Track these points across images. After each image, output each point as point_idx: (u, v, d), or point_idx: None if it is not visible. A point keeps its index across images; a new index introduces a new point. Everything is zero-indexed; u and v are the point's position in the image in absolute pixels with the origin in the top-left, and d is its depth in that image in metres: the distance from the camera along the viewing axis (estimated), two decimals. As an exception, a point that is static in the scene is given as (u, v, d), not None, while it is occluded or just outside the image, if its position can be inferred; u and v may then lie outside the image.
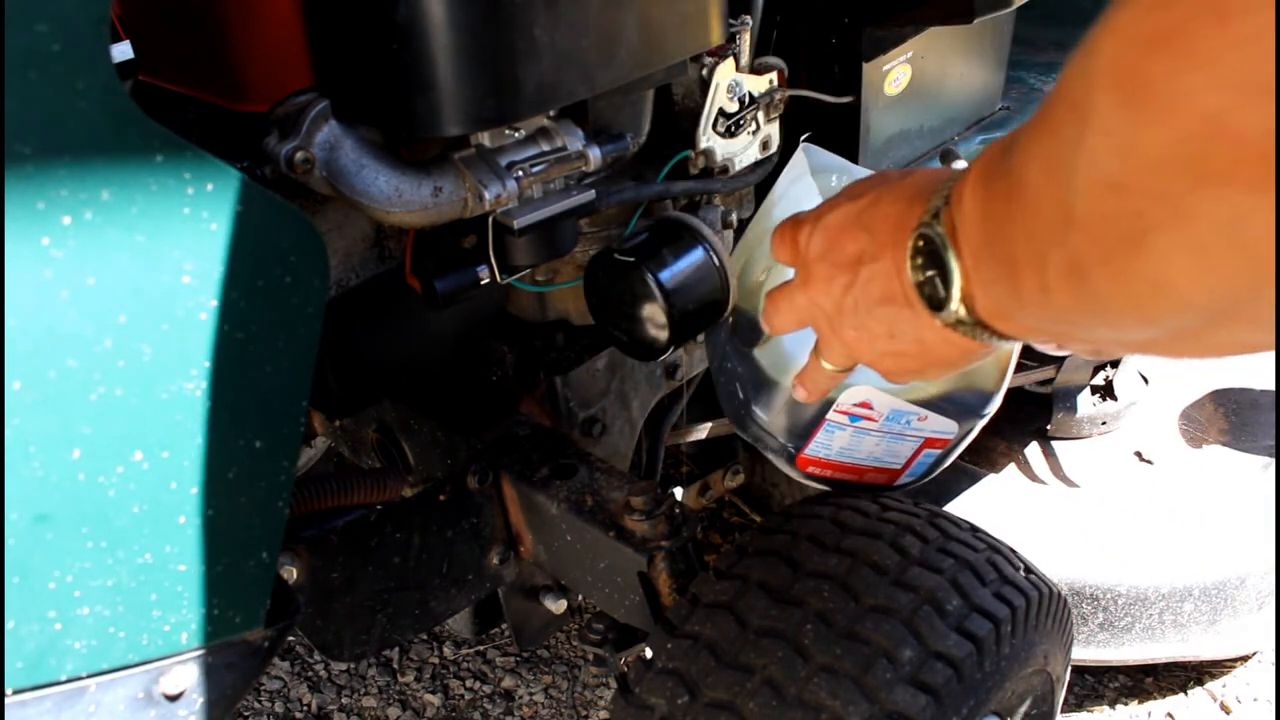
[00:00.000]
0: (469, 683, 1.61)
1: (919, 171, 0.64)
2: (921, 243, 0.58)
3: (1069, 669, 0.94)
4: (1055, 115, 0.43)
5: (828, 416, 0.91)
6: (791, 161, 0.95)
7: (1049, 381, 1.61)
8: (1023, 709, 0.87)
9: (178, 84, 0.82)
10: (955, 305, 0.57)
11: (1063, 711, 1.42)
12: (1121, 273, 0.42)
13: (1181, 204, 0.37)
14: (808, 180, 0.92)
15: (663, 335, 0.90)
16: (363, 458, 1.19)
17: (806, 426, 0.95)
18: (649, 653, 0.81)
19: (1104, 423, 1.64)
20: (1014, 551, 0.86)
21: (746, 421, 0.98)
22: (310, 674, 1.64)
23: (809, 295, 0.68)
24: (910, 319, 0.61)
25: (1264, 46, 0.31)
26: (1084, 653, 1.45)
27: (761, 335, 0.93)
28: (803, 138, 0.98)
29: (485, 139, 0.81)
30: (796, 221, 0.70)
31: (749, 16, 0.98)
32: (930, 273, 0.58)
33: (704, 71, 0.96)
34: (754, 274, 0.95)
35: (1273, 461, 1.58)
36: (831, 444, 0.94)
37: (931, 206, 0.58)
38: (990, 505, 1.53)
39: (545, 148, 0.83)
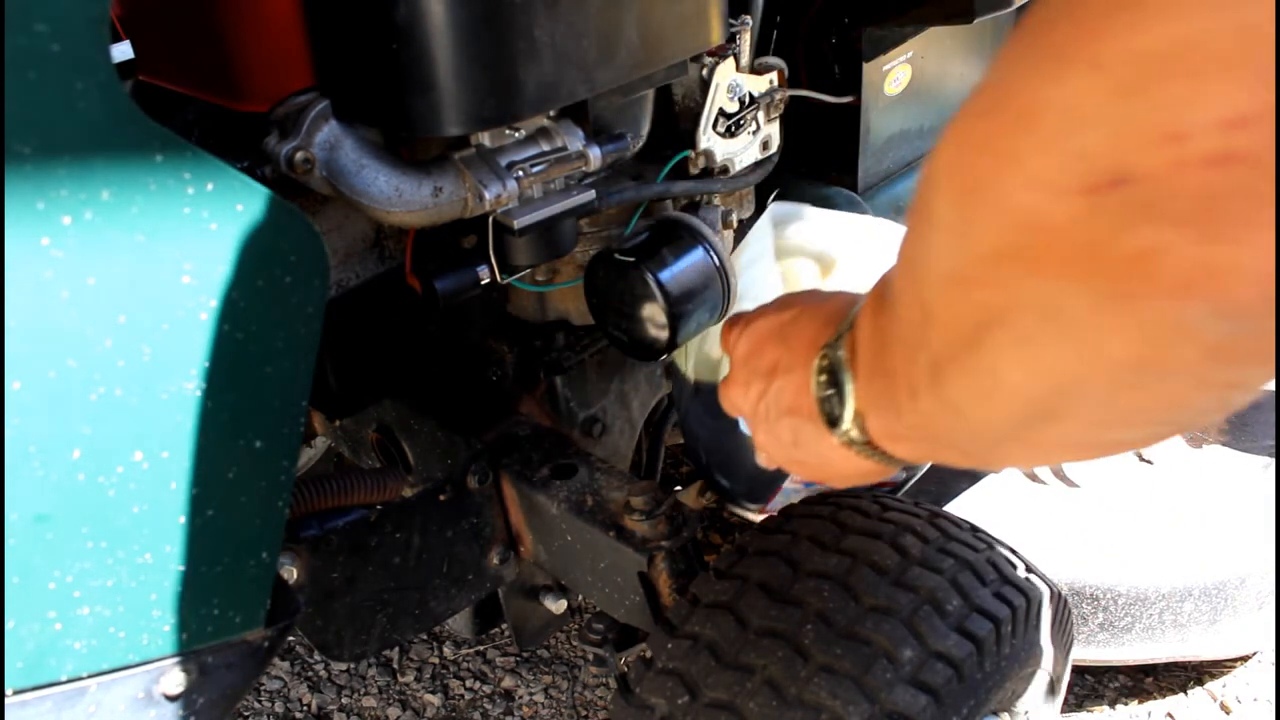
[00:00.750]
0: (469, 683, 1.61)
1: (842, 295, 0.70)
2: (825, 362, 0.62)
3: (1069, 668, 0.94)
4: (911, 220, 0.46)
5: (784, 484, 0.93)
6: (755, 231, 0.97)
7: (1049, 381, 1.60)
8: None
9: (178, 84, 0.82)
10: (848, 425, 0.60)
11: (1063, 711, 1.42)
12: (966, 367, 0.45)
13: (1011, 294, 0.39)
14: (768, 262, 0.95)
15: (663, 335, 0.90)
16: (363, 458, 1.19)
17: (764, 490, 0.97)
18: (649, 653, 0.81)
19: (1104, 423, 1.64)
20: (1014, 551, 0.86)
21: (711, 477, 1.01)
22: (310, 674, 1.64)
23: (731, 394, 0.74)
24: (813, 433, 0.65)
25: (1063, 147, 0.34)
26: (1084, 653, 1.45)
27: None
28: (771, 198, 1.00)
29: (485, 139, 0.81)
30: (732, 321, 0.75)
31: (749, 16, 0.98)
32: (830, 391, 0.62)
33: (704, 71, 0.96)
34: (714, 348, 0.98)
35: (1273, 461, 1.58)
36: (791, 500, 0.96)
37: (839, 330, 0.63)
38: (990, 505, 1.53)
39: (545, 148, 0.83)
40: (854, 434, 0.61)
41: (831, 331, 0.64)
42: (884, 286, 0.55)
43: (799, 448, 0.69)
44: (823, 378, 0.63)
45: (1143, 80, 0.32)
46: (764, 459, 0.76)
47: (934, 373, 0.48)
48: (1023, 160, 0.36)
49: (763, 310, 0.74)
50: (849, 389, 0.60)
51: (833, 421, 0.62)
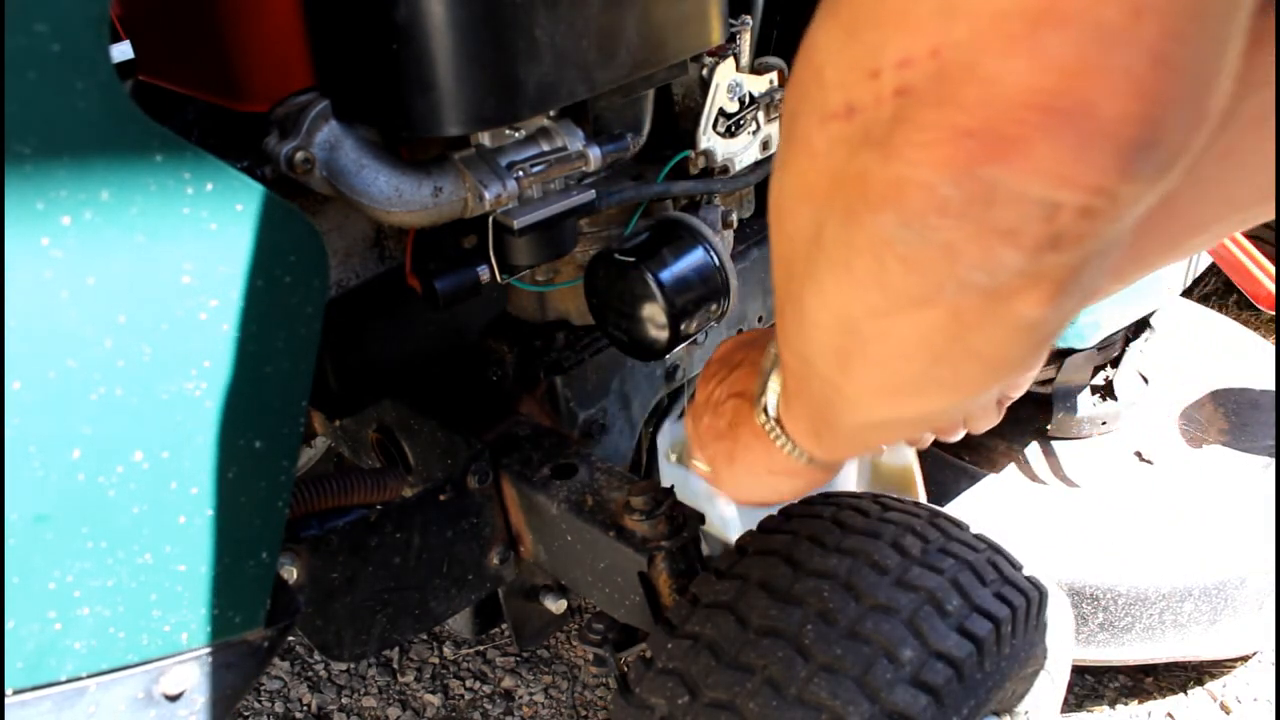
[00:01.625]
0: (469, 683, 1.61)
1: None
2: (767, 362, 0.72)
3: (1069, 668, 0.94)
4: None
5: None
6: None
7: (1049, 381, 1.60)
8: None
9: (178, 84, 0.82)
10: (771, 407, 0.69)
11: (1063, 711, 1.42)
12: (786, 300, 0.50)
13: (798, 225, 0.46)
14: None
15: (663, 335, 0.90)
16: (363, 458, 1.19)
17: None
18: (649, 653, 0.81)
19: (1104, 423, 1.64)
20: (1009, 554, 0.86)
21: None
22: (310, 674, 1.64)
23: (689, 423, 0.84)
24: (747, 432, 0.74)
25: (821, 80, 0.42)
26: (1084, 653, 1.45)
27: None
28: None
29: (485, 139, 0.81)
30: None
31: (749, 16, 0.98)
32: (763, 383, 0.71)
33: (704, 71, 0.96)
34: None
35: (1273, 461, 1.58)
36: None
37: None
38: (990, 505, 1.53)
39: (545, 148, 0.83)
40: (773, 418, 0.68)
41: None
42: None
43: (736, 460, 0.76)
44: (763, 377, 0.69)
45: (857, 26, 0.39)
46: (707, 476, 0.83)
47: (780, 319, 0.54)
48: (804, 92, 0.43)
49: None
50: (773, 378, 0.68)
51: (760, 404, 0.69)
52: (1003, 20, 0.34)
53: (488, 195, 0.79)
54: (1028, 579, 0.83)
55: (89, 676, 0.61)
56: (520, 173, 0.81)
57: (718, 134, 0.99)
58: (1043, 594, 0.83)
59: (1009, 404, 0.75)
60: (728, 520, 0.98)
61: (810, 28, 0.43)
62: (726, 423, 0.76)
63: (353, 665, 1.64)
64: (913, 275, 0.41)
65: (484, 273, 0.87)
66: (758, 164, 1.05)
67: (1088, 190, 0.36)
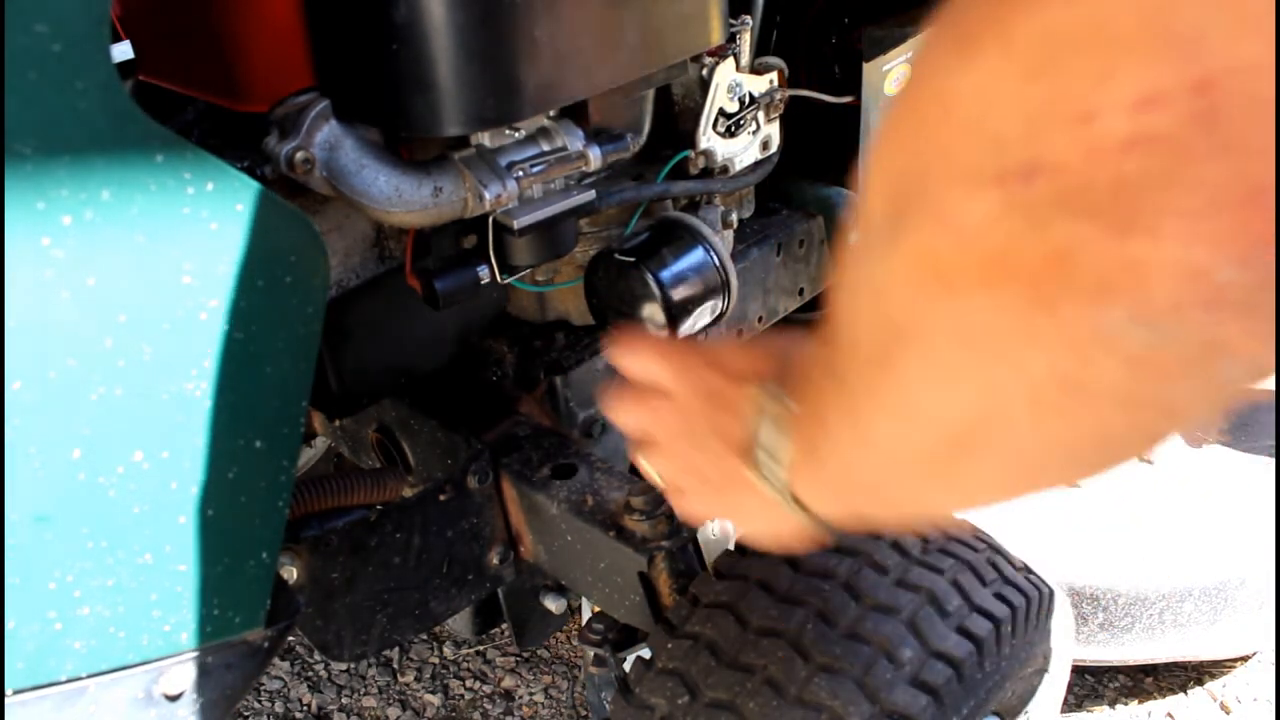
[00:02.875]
0: (469, 683, 1.61)
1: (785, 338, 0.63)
2: (763, 405, 0.57)
3: (1069, 668, 0.94)
4: (855, 231, 0.42)
5: None
6: None
7: (1049, 381, 1.60)
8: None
9: (178, 84, 0.82)
10: (780, 481, 0.56)
11: (1063, 711, 1.42)
12: (877, 391, 0.41)
13: (924, 312, 0.36)
14: None
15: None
16: (363, 458, 1.19)
17: None
18: (649, 653, 0.81)
19: (1104, 423, 1.64)
20: (1009, 554, 0.86)
21: None
22: (310, 674, 1.64)
23: (640, 411, 0.69)
24: (743, 483, 0.60)
25: (979, 134, 0.31)
26: (1084, 653, 1.45)
27: None
28: None
29: (485, 139, 0.81)
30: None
31: (749, 16, 0.98)
32: (764, 438, 0.57)
33: (704, 71, 0.96)
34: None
35: (1273, 461, 1.58)
36: None
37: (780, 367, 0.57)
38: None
39: (545, 148, 0.83)
40: (782, 489, 0.56)
41: (772, 365, 0.58)
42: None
43: (717, 499, 0.65)
44: (760, 422, 0.57)
45: (1051, 61, 0.29)
46: (671, 490, 0.71)
47: (849, 401, 0.44)
48: (945, 151, 0.33)
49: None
50: (782, 441, 0.55)
51: (766, 476, 0.57)
52: None
53: (488, 195, 0.79)
54: (1030, 579, 0.83)
55: (89, 676, 0.61)
56: (520, 173, 0.81)
57: (718, 134, 0.99)
58: (1043, 594, 0.83)
59: None
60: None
61: (933, 70, 0.34)
62: (713, 469, 0.63)
63: (353, 665, 1.64)
64: (1139, 376, 0.32)
65: (484, 273, 0.87)
66: (757, 164, 1.05)
67: None
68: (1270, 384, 0.38)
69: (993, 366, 0.35)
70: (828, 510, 0.56)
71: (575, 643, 1.65)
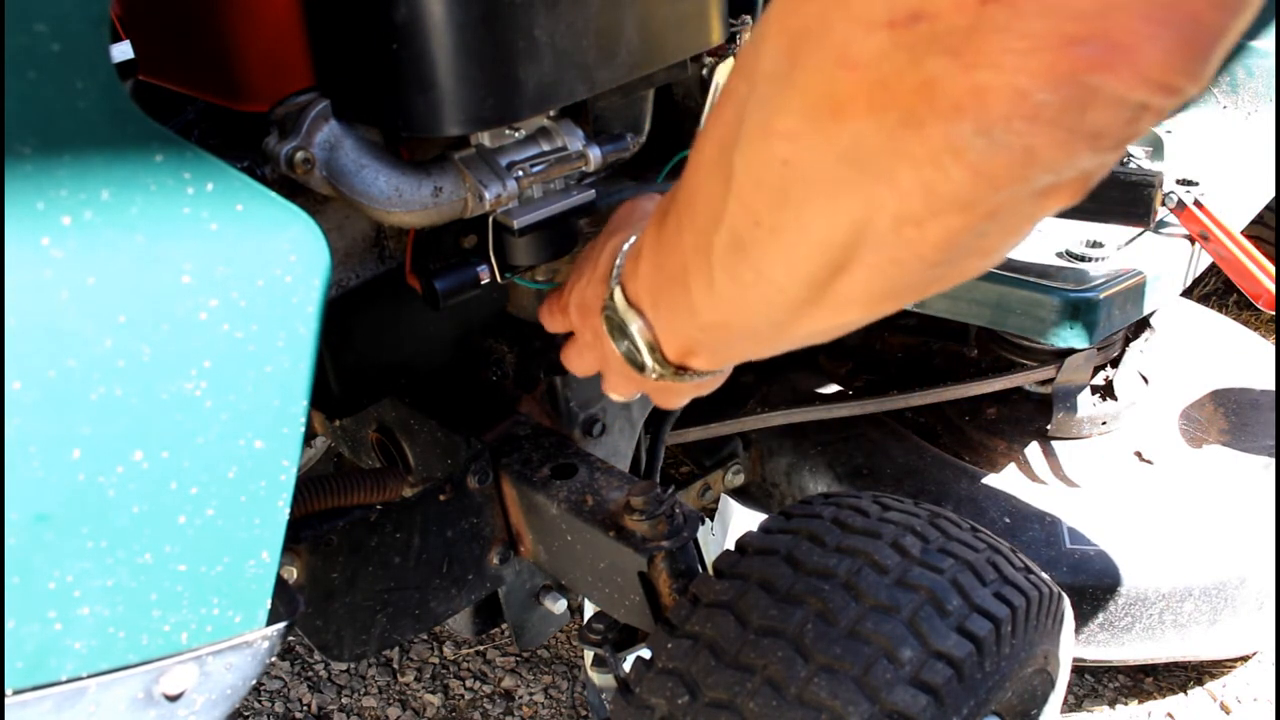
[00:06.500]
0: (469, 683, 1.61)
1: (608, 247, 0.75)
2: (610, 321, 0.69)
3: (1069, 668, 0.94)
4: (728, 87, 0.50)
5: None
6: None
7: (1049, 381, 1.61)
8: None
9: (178, 84, 0.82)
10: (651, 364, 0.66)
11: (1063, 711, 1.42)
12: (774, 227, 0.48)
13: (816, 144, 0.43)
14: None
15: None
16: (363, 458, 1.19)
17: None
18: (649, 653, 0.81)
19: (1104, 423, 1.64)
20: (1014, 550, 0.86)
21: None
22: (310, 674, 1.64)
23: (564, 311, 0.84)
24: (634, 376, 0.71)
25: None
26: (1084, 653, 1.45)
27: None
28: None
29: (485, 139, 0.81)
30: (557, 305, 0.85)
31: (749, 16, 0.98)
32: (625, 343, 0.68)
33: (704, 71, 0.95)
34: None
35: (1273, 461, 1.58)
36: None
37: (610, 285, 0.69)
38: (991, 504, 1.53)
39: (545, 148, 0.83)
40: (659, 369, 0.66)
41: (604, 287, 0.70)
42: (668, 201, 0.60)
43: (639, 383, 0.74)
44: (615, 334, 0.68)
45: None
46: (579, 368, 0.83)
47: (735, 245, 0.51)
48: (845, 2, 0.40)
49: (573, 272, 0.83)
50: (636, 334, 0.66)
51: (639, 367, 0.67)
52: None
53: (488, 195, 0.79)
54: (1030, 579, 0.83)
55: (89, 676, 0.61)
56: (520, 173, 0.81)
57: (718, 134, 0.99)
58: (1043, 594, 0.83)
59: None
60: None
61: (828, 25, 0.42)
62: (585, 327, 0.78)
63: (353, 665, 1.64)
64: (977, 181, 0.40)
65: (484, 272, 0.87)
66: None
67: (1172, 92, 0.36)
68: (1270, 384, 0.42)
69: (872, 183, 0.43)
70: (699, 364, 0.66)
71: (575, 643, 1.65)
